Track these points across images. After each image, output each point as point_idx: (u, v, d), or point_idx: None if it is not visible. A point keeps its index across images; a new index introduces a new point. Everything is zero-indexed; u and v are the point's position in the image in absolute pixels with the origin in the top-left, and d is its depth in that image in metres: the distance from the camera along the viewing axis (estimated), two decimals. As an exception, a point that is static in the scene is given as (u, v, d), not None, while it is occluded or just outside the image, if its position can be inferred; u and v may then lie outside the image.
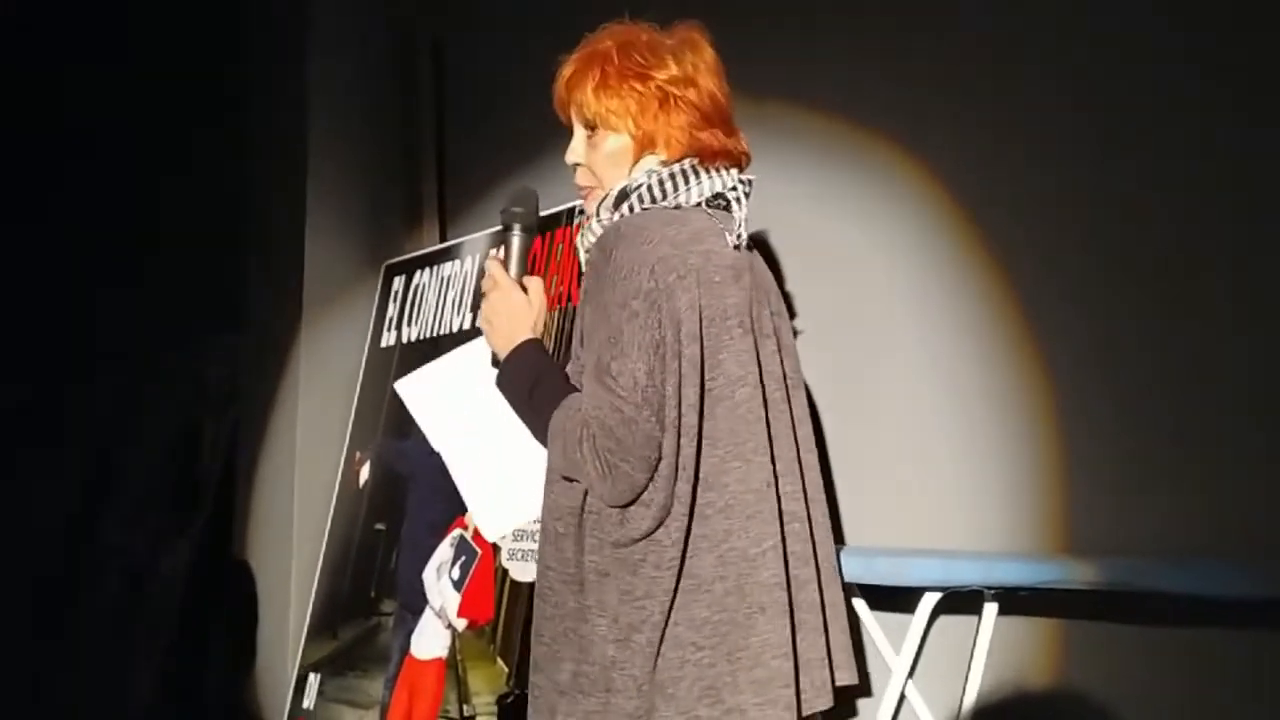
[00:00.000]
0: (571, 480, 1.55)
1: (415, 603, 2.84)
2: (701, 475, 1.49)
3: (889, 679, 1.94)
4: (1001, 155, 2.05)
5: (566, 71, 1.66)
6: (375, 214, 3.49)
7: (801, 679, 1.50)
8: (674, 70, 1.61)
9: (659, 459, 1.47)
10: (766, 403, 1.56)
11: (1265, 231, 1.74)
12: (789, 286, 2.22)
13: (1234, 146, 1.78)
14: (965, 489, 2.05)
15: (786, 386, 1.60)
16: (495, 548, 2.67)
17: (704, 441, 1.50)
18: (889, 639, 1.96)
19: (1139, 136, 1.88)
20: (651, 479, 1.47)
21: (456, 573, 2.76)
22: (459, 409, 1.70)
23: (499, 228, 2.93)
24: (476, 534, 2.74)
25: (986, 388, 2.04)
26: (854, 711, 2.02)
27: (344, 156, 3.43)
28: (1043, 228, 1.99)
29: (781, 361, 1.61)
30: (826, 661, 1.54)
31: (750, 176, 1.65)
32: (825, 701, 1.53)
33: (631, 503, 1.49)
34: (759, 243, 2.31)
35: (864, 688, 2.02)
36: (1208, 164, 1.81)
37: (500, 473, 1.63)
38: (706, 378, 1.51)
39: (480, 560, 2.70)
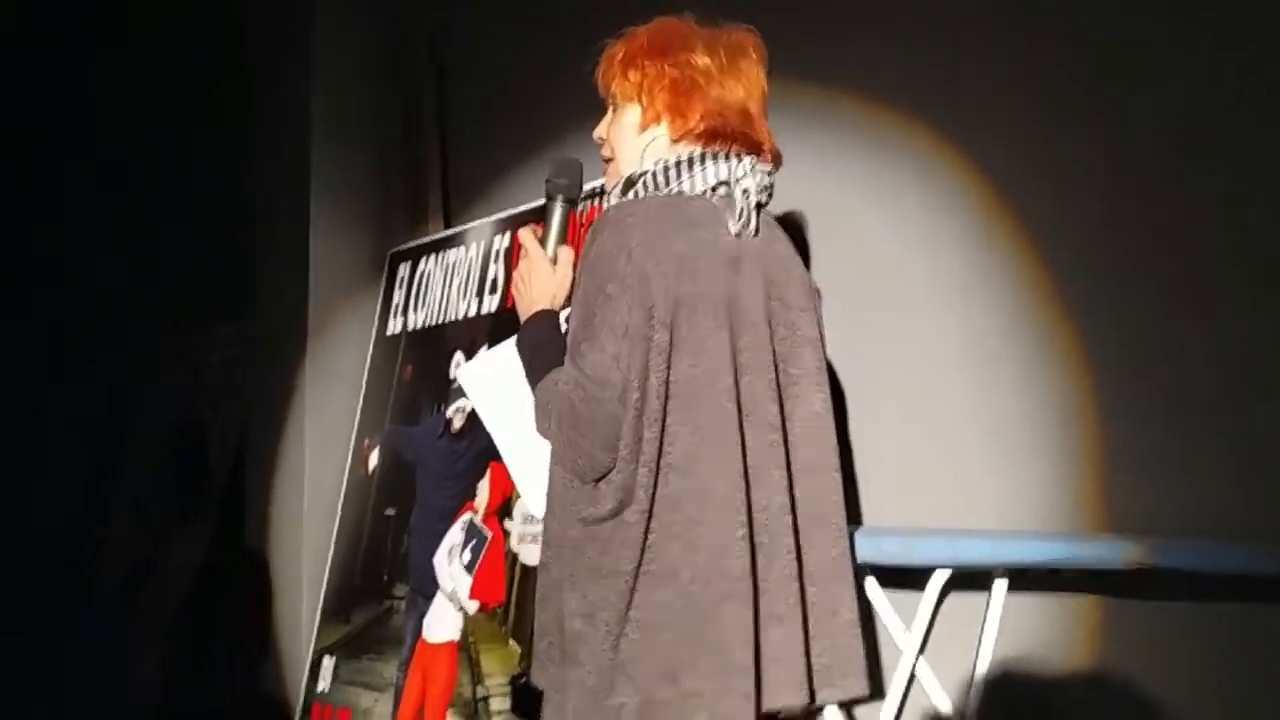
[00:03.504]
0: None
1: (427, 586, 2.86)
2: (671, 462, 1.51)
3: (899, 657, 1.95)
4: (1035, 134, 2.03)
5: (606, 56, 1.70)
6: (380, 203, 3.50)
7: (767, 672, 1.50)
8: (700, 58, 1.63)
9: (621, 440, 1.49)
10: (745, 397, 1.55)
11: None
12: (815, 264, 2.21)
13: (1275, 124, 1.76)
14: (995, 469, 2.05)
15: (780, 378, 1.59)
16: (505, 531, 2.70)
17: (672, 428, 1.51)
18: (900, 617, 1.98)
19: (1177, 111, 1.86)
20: (615, 459, 1.50)
21: (467, 556, 2.78)
22: (510, 395, 1.74)
23: (502, 214, 3.03)
24: (487, 517, 2.77)
25: (1021, 369, 2.04)
26: (867, 694, 2.05)
27: (348, 147, 3.44)
28: (1078, 207, 1.97)
29: (775, 353, 1.60)
30: (801, 661, 1.53)
31: (769, 166, 1.64)
32: (795, 699, 1.52)
33: (598, 481, 1.51)
34: (795, 229, 2.31)
35: (875, 667, 2.02)
36: (1247, 142, 1.79)
37: (546, 450, 1.68)
38: (676, 366, 1.52)
39: (491, 543, 2.72)
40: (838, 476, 1.63)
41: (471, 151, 3.42)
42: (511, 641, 2.61)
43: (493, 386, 1.80)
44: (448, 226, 3.40)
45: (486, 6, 3.40)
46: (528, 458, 1.72)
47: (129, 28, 4.05)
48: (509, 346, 1.77)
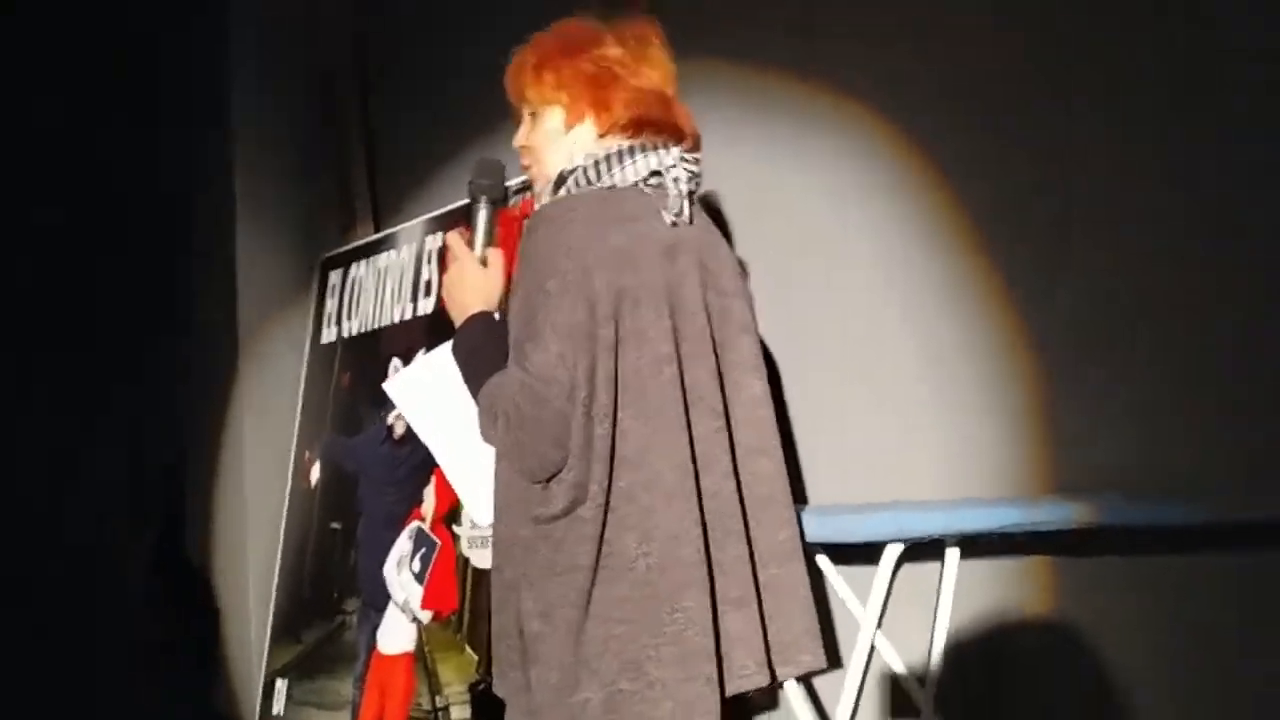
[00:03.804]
0: None
1: (378, 598, 2.83)
2: (622, 455, 1.51)
3: (858, 632, 1.94)
4: (971, 105, 2.04)
5: (514, 62, 1.70)
6: (308, 210, 3.45)
7: (728, 656, 1.52)
8: (613, 50, 1.64)
9: (570, 438, 1.49)
10: (690, 385, 1.56)
11: (1241, 161, 1.74)
12: (748, 241, 2.21)
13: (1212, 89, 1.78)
14: (941, 438, 2.05)
15: (720, 365, 1.60)
16: (455, 537, 2.66)
17: (621, 422, 1.51)
18: (856, 593, 1.97)
19: (1111, 86, 1.87)
20: (565, 458, 1.49)
21: (417, 565, 2.75)
22: (448, 402, 1.72)
23: (432, 214, 2.99)
24: (435, 524, 2.74)
25: (961, 336, 2.05)
26: (825, 666, 2.04)
27: (271, 154, 3.38)
28: (1014, 170, 1.98)
29: (719, 340, 1.61)
30: (760, 642, 1.54)
31: (697, 154, 1.65)
32: (755, 681, 1.53)
33: (550, 480, 1.51)
34: (714, 211, 2.31)
35: (832, 642, 2.02)
36: (1185, 112, 1.80)
37: (488, 458, 1.67)
38: (623, 359, 1.52)
39: (440, 550, 2.70)
40: (781, 458, 1.65)
41: (399, 153, 3.37)
42: (468, 648, 2.59)
43: (424, 396, 1.78)
44: (378, 230, 3.35)
45: (408, 7, 3.35)
46: (467, 466, 1.72)
47: (44, 46, 3.92)
48: (439, 354, 1.76)
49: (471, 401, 1.60)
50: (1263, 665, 1.65)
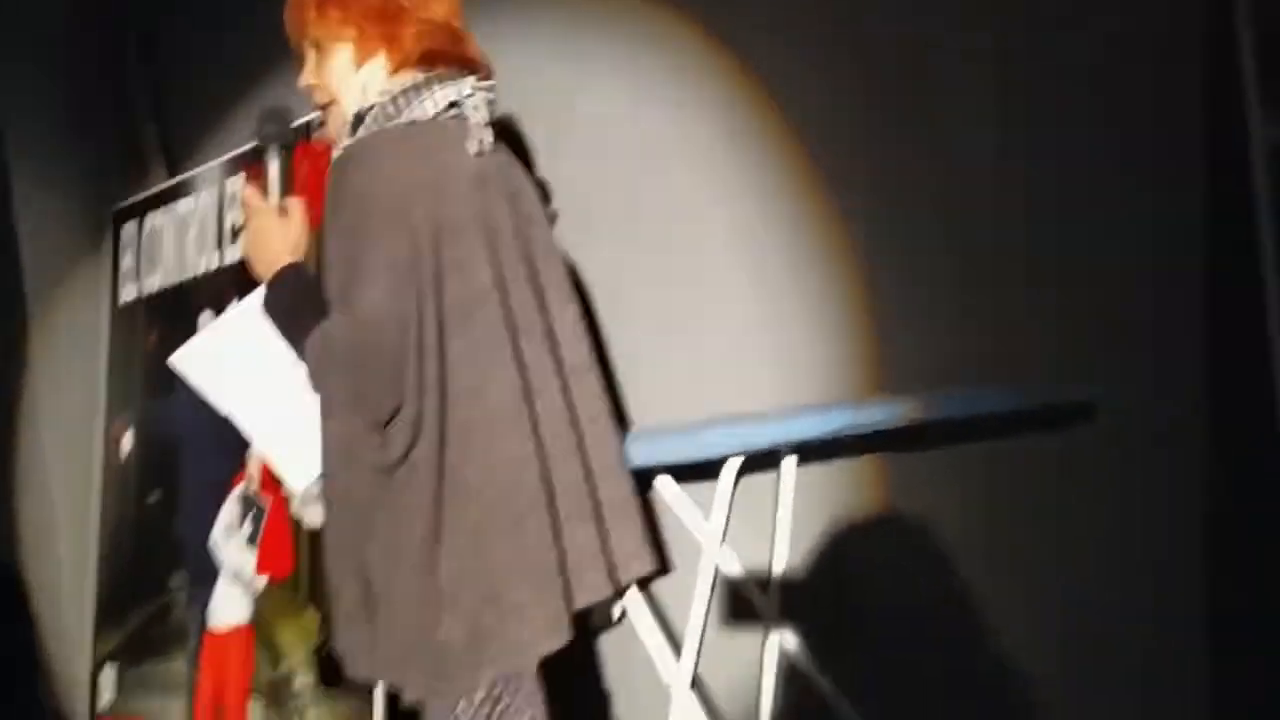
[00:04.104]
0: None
1: (207, 571, 2.72)
2: (456, 387, 1.51)
3: (701, 550, 1.94)
4: (794, 18, 2.04)
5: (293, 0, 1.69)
6: (95, 163, 3.19)
7: (574, 572, 1.54)
8: None
9: (405, 376, 1.49)
10: (514, 310, 1.57)
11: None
12: (559, 159, 2.19)
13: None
14: (769, 350, 2.06)
15: (538, 289, 1.62)
16: (285, 496, 2.56)
17: (451, 354, 1.51)
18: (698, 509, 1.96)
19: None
20: (401, 397, 1.49)
21: (248, 529, 2.67)
22: (245, 367, 1.68)
23: (233, 153, 2.82)
24: (264, 484, 2.64)
25: (784, 248, 2.05)
26: (657, 569, 2.05)
27: (44, 106, 3.10)
28: (830, 78, 1.99)
29: (533, 265, 1.63)
30: (601, 556, 1.58)
31: (491, 82, 1.66)
32: (601, 592, 1.57)
33: (387, 422, 1.50)
34: (515, 135, 2.24)
35: (681, 565, 2.01)
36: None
37: (296, 416, 1.62)
38: (447, 290, 1.52)
39: (271, 512, 2.61)
40: (600, 377, 1.69)
41: (189, 91, 3.17)
42: (309, 609, 2.50)
43: (216, 364, 1.74)
44: (172, 176, 3.13)
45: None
46: (274, 429, 1.70)
47: None
48: (230, 317, 1.73)
49: (273, 359, 1.59)
50: (1082, 532, 1.72)
